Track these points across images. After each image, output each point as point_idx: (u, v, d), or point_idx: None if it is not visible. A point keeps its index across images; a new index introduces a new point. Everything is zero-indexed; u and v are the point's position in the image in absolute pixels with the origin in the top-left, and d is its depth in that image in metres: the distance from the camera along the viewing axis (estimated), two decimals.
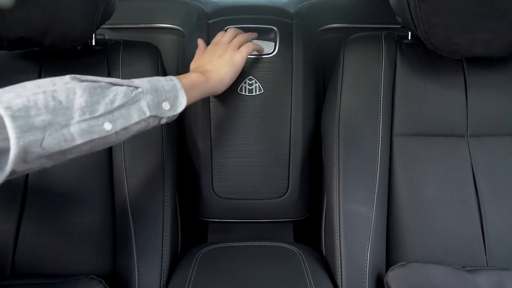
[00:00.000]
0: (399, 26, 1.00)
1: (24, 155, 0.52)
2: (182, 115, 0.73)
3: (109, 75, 0.87)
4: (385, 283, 0.74)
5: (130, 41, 0.93)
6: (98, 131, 0.58)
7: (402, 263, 0.75)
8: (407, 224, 0.83)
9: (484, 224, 0.82)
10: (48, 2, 0.74)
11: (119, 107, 0.60)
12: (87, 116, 0.57)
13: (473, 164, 0.86)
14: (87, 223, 0.82)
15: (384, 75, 0.87)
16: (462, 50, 0.80)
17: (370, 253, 0.79)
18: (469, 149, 0.87)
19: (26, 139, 0.51)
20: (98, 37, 0.93)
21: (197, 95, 0.73)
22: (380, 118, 0.86)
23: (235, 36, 0.87)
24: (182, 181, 0.98)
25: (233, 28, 0.89)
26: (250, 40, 0.90)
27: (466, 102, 0.88)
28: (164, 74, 0.91)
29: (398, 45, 0.90)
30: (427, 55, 0.89)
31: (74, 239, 0.81)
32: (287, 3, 1.25)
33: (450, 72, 0.89)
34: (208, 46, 0.86)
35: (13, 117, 0.51)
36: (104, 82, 0.61)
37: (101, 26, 0.85)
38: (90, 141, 0.57)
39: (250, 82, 0.93)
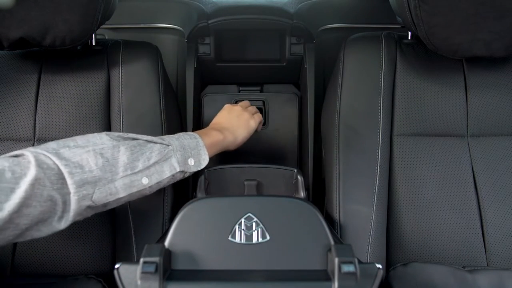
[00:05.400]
0: (399, 26, 1.00)
1: (78, 207, 0.60)
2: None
3: (109, 75, 0.87)
4: (385, 283, 0.74)
5: (130, 41, 0.93)
6: (137, 185, 0.65)
7: (403, 263, 0.75)
8: (407, 224, 0.83)
9: (484, 224, 0.82)
10: (48, 2, 0.74)
11: (154, 164, 0.67)
12: (129, 172, 0.64)
13: (473, 164, 0.86)
14: (86, 223, 0.82)
15: (384, 75, 0.87)
16: (462, 50, 0.80)
17: (370, 253, 0.79)
18: (469, 149, 0.87)
19: (81, 193, 0.59)
20: (98, 37, 0.93)
21: (215, 151, 0.79)
22: (380, 118, 0.86)
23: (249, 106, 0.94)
24: (181, 180, 0.98)
25: (247, 101, 0.97)
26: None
27: (466, 102, 0.88)
28: (164, 74, 0.91)
29: (398, 45, 0.90)
30: (427, 55, 0.89)
31: (74, 239, 0.81)
32: (287, 3, 1.26)
33: (450, 72, 0.89)
34: (226, 105, 0.91)
35: (71, 173, 0.59)
36: (142, 140, 0.68)
37: (101, 26, 0.85)
38: (130, 194, 0.65)
39: (249, 223, 0.60)
